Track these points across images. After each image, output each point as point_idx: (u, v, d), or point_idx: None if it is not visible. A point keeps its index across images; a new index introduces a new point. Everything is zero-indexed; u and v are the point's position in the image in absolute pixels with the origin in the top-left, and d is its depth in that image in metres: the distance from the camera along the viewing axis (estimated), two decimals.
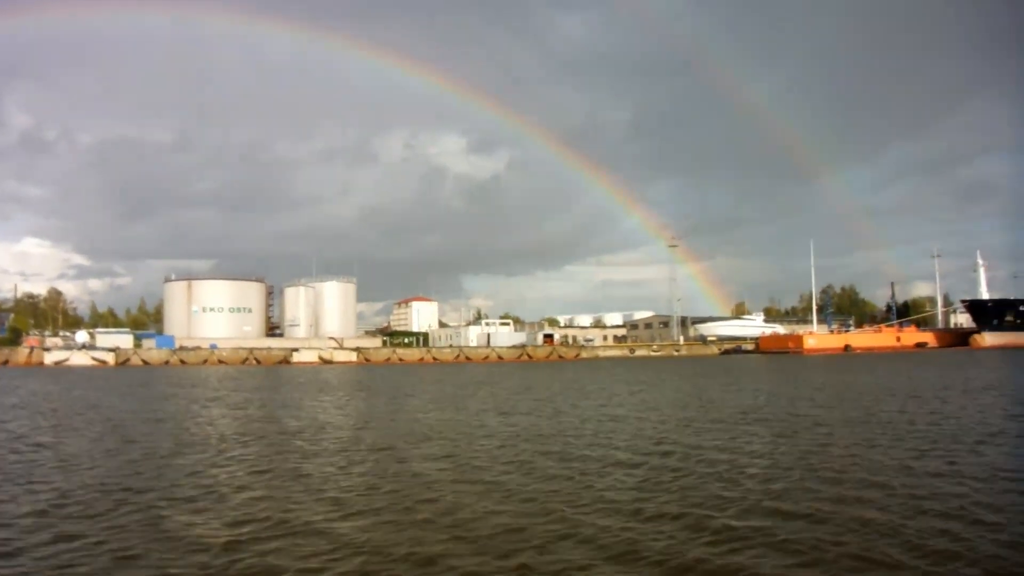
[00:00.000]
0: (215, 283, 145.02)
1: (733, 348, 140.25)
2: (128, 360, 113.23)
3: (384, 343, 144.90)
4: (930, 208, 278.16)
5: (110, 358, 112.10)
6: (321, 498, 14.31)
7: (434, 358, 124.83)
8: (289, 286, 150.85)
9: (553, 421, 27.92)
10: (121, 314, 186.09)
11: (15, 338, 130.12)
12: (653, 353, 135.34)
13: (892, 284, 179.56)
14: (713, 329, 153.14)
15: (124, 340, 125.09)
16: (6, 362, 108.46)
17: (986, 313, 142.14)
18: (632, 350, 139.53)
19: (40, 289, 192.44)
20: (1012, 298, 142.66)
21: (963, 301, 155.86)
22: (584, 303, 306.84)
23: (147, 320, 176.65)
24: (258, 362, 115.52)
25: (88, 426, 27.84)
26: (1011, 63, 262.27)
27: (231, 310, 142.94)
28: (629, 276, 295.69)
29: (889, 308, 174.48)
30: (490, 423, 27.64)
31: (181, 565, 10.23)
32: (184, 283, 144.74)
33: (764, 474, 16.06)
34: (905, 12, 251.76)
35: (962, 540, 10.76)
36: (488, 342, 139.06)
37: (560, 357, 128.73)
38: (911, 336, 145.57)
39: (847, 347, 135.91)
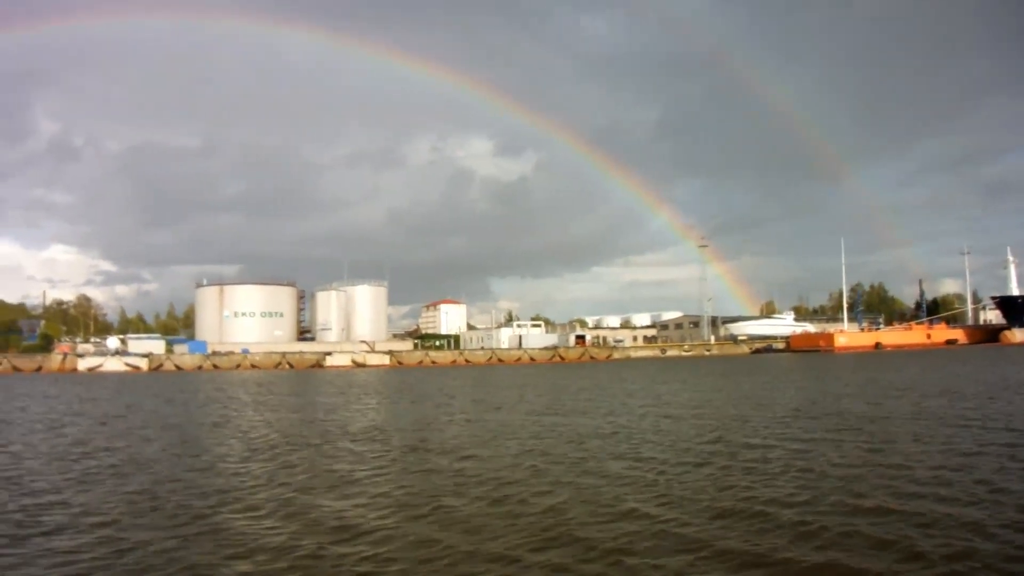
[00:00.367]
0: (247, 288, 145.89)
1: (764, 347, 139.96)
2: (161, 365, 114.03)
3: (416, 346, 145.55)
4: (955, 205, 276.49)
5: (143, 364, 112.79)
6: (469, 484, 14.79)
7: (466, 360, 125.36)
8: (321, 290, 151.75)
9: (611, 420, 28.33)
10: (149, 319, 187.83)
11: (46, 345, 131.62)
12: (684, 353, 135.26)
13: (919, 281, 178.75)
14: (743, 328, 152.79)
15: (156, 346, 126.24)
16: (39, 368, 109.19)
17: (1017, 309, 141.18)
18: (663, 350, 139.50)
19: (67, 295, 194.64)
20: None
21: (993, 297, 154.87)
22: (611, 304, 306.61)
23: (177, 325, 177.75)
24: (291, 366, 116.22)
25: (162, 433, 28.13)
26: None
27: (263, 315, 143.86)
28: (656, 277, 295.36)
29: (918, 305, 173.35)
30: (552, 422, 28.10)
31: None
32: (216, 288, 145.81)
33: (843, 473, 16.24)
34: (928, 9, 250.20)
35: None
36: (520, 344, 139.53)
37: (592, 358, 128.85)
38: (941, 333, 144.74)
39: (878, 345, 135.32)
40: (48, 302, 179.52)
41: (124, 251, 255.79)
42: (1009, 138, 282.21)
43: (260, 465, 19.45)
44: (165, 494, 15.54)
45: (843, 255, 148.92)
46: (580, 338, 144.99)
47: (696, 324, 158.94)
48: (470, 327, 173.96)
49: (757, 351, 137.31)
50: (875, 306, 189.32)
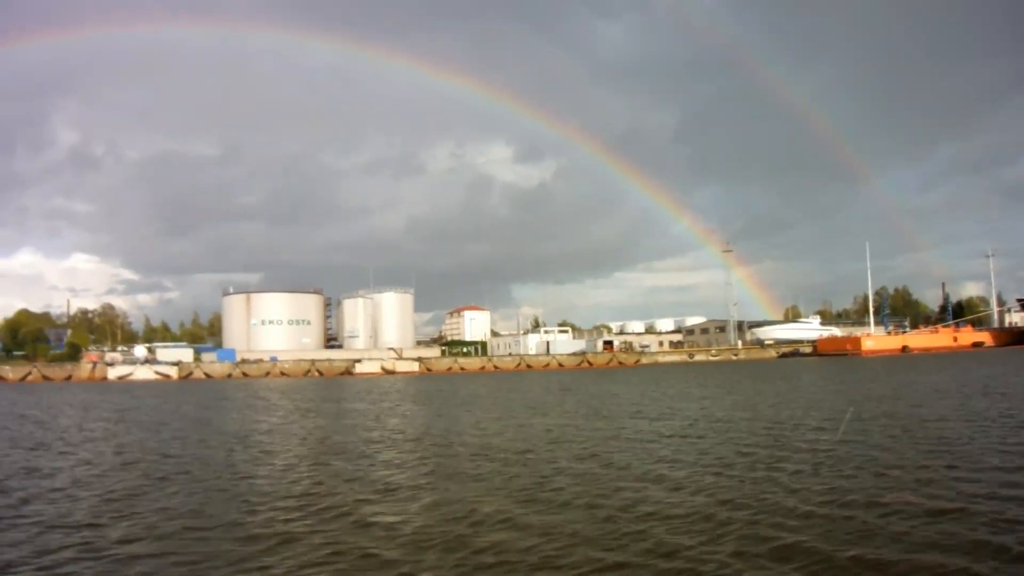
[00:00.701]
0: (273, 296, 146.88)
1: (791, 351, 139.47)
2: (191, 374, 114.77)
3: (443, 352, 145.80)
4: (976, 208, 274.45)
5: (173, 372, 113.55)
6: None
7: (495, 367, 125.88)
8: (347, 297, 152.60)
9: (664, 424, 28.82)
10: (173, 328, 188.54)
11: (73, 354, 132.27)
12: (712, 358, 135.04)
13: (943, 284, 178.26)
14: (770, 333, 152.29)
15: (184, 354, 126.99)
16: (69, 377, 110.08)
17: None
18: (691, 355, 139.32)
19: (90, 304, 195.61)
20: None
21: (1019, 300, 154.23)
22: (634, 309, 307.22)
23: (203, 333, 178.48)
24: (320, 374, 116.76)
25: (219, 439, 28.68)
26: None
27: (289, 322, 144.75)
28: (678, 282, 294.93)
29: (943, 308, 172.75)
30: (602, 425, 28.66)
31: None
32: (243, 296, 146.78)
33: (912, 475, 16.69)
34: (947, 10, 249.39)
35: None
36: (547, 350, 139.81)
37: (620, 363, 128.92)
38: (968, 336, 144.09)
39: (905, 348, 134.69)
40: (72, 311, 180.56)
41: (145, 260, 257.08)
42: None
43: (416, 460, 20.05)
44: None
45: (868, 259, 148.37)
46: (608, 344, 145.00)
47: (722, 329, 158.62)
48: (494, 333, 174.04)
49: (784, 355, 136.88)
50: (899, 309, 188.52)
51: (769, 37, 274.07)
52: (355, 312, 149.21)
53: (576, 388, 57.94)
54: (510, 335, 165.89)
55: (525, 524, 12.88)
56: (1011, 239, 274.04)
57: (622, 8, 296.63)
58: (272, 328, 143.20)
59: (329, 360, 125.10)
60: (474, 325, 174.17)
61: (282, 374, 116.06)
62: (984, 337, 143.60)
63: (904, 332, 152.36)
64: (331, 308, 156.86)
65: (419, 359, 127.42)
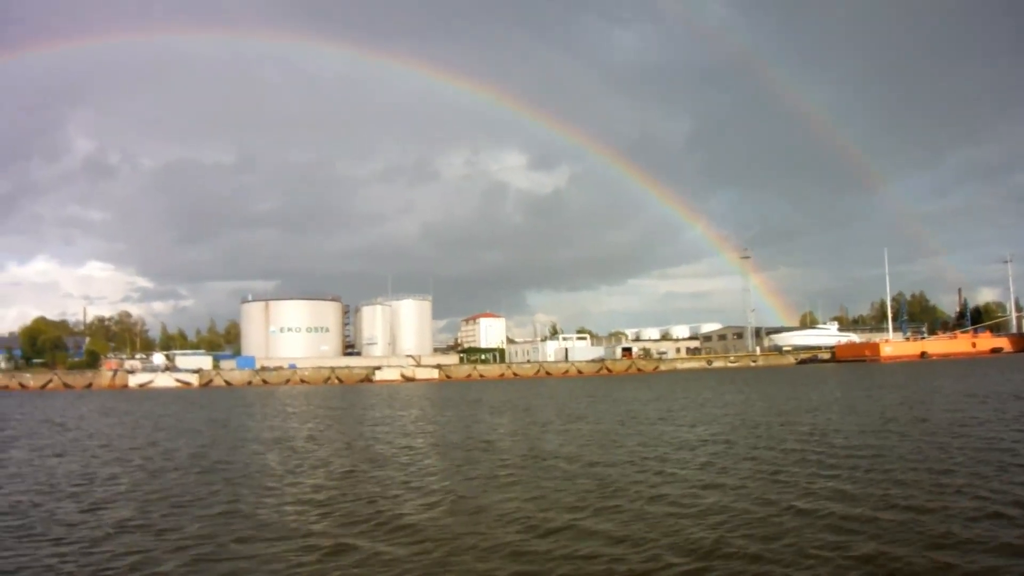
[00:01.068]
0: (292, 303, 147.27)
1: (809, 357, 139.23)
2: (211, 381, 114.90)
3: (461, 360, 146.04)
4: (991, 213, 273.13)
5: (194, 379, 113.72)
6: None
7: (515, 374, 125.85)
8: (366, 304, 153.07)
9: (702, 430, 29.17)
10: (189, 335, 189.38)
11: (92, 361, 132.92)
12: (730, 364, 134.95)
13: (959, 290, 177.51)
14: (788, 339, 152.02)
15: (204, 362, 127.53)
16: (90, 385, 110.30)
17: None
18: (709, 361, 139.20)
19: (105, 312, 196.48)
20: None
21: None
22: (649, 316, 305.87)
23: (220, 341, 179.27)
24: (340, 381, 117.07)
25: (263, 445, 29.12)
26: None
27: (308, 330, 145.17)
28: (692, 288, 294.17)
29: (961, 314, 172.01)
30: (643, 430, 28.98)
31: None
32: (261, 304, 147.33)
33: (962, 483, 17.12)
34: (960, 16, 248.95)
35: None
36: (566, 356, 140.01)
37: (639, 370, 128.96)
38: (986, 342, 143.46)
39: (923, 354, 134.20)
40: (89, 319, 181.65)
41: (160, 267, 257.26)
42: None
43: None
44: None
45: (886, 264, 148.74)
46: (627, 350, 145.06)
47: (739, 335, 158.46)
48: (509, 340, 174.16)
49: (803, 361, 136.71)
50: (917, 315, 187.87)
51: (781, 44, 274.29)
52: (373, 319, 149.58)
53: (609, 395, 57.63)
54: (527, 342, 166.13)
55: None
56: None
57: (635, 16, 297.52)
58: (291, 335, 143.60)
59: (349, 367, 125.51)
60: (490, 332, 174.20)
61: (302, 381, 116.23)
62: (1003, 343, 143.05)
63: (922, 338, 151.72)
64: (349, 315, 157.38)
65: (438, 366, 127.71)
